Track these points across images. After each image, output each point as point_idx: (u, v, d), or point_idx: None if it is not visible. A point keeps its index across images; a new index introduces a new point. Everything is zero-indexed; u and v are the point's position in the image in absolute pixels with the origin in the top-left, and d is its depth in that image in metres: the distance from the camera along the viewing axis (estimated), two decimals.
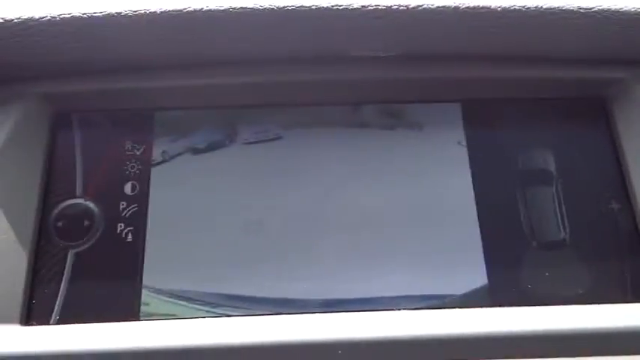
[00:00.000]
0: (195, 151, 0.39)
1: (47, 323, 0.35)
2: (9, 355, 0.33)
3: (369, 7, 0.36)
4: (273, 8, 0.36)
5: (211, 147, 0.39)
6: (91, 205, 0.38)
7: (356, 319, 0.34)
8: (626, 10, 0.37)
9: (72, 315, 0.35)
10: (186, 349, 0.33)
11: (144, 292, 0.35)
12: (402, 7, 0.36)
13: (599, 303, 0.35)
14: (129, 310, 0.35)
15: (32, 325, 0.34)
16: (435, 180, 0.39)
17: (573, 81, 0.41)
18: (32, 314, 0.35)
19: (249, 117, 0.40)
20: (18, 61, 0.37)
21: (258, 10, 0.36)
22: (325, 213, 0.38)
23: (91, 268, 0.36)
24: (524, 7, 0.37)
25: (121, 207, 0.38)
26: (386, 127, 0.40)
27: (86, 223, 0.37)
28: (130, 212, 0.37)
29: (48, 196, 0.38)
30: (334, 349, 0.33)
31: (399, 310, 0.35)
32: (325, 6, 0.36)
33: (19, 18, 0.35)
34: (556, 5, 0.37)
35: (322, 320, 0.34)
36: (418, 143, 0.40)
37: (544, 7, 0.37)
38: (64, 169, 0.39)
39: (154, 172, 0.39)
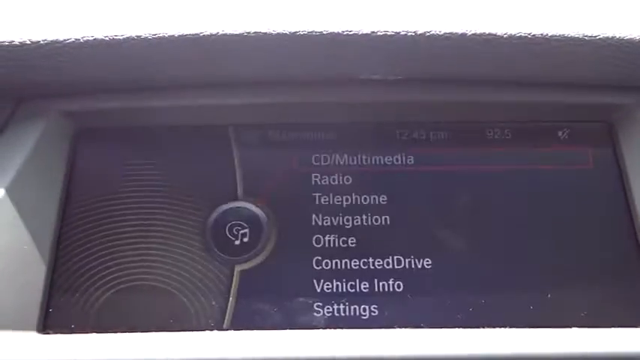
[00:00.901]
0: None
1: (64, 332, 0.36)
2: None
3: (378, 33, 0.37)
4: (285, 33, 0.37)
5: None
6: None
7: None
8: (630, 39, 0.38)
9: (89, 324, 0.36)
10: None
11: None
12: (410, 34, 0.37)
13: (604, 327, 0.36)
14: (149, 321, 0.36)
15: (49, 333, 0.36)
16: None
17: (580, 106, 0.42)
18: (49, 323, 0.36)
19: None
20: (42, 80, 0.39)
21: (270, 34, 0.37)
22: None
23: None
24: (529, 34, 0.38)
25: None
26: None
27: None
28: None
29: (67, 208, 0.39)
30: None
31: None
32: (335, 32, 0.37)
33: (44, 40, 0.37)
34: (561, 33, 0.38)
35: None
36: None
37: (549, 34, 0.38)
38: (85, 184, 0.40)
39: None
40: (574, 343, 0.35)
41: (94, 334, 0.36)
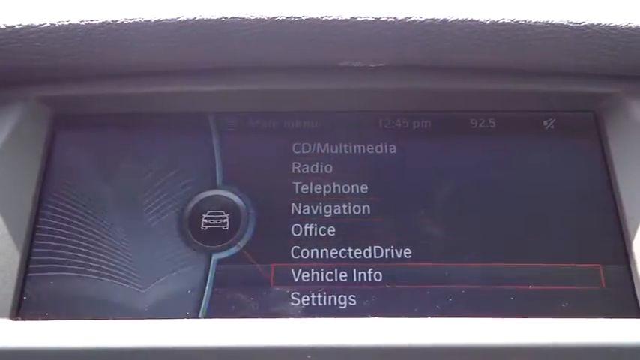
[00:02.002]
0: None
1: (37, 319, 0.36)
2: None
3: (358, 19, 0.37)
4: (264, 19, 0.37)
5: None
6: None
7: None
8: (616, 26, 0.38)
9: (63, 311, 0.36)
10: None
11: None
12: (390, 20, 0.37)
13: (585, 317, 0.35)
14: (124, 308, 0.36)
15: (22, 319, 0.36)
16: None
17: (566, 94, 0.41)
18: (23, 310, 0.36)
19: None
20: (19, 66, 0.39)
21: (249, 20, 0.37)
22: None
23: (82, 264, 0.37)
24: (513, 21, 0.37)
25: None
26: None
27: None
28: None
29: (43, 195, 0.39)
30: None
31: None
32: (315, 17, 0.37)
33: (20, 24, 0.37)
34: (545, 20, 0.37)
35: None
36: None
37: (534, 21, 0.37)
38: (62, 171, 0.40)
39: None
40: (552, 333, 0.34)
41: (68, 320, 0.36)
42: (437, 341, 0.34)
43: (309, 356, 0.32)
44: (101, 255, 0.38)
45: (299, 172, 0.40)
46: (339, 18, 0.37)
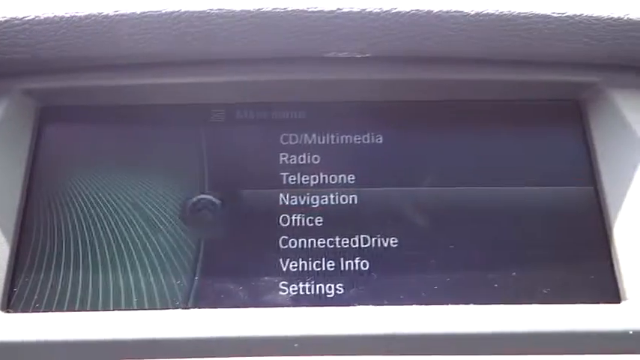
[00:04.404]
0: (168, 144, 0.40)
1: (28, 311, 0.36)
2: None
3: (343, 10, 0.37)
4: (249, 10, 0.37)
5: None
6: None
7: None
8: (598, 17, 0.38)
9: (53, 303, 0.36)
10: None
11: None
12: (375, 10, 0.37)
13: (566, 303, 0.36)
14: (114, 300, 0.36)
15: (13, 312, 0.36)
16: None
17: (549, 84, 0.42)
18: (13, 302, 0.36)
19: None
20: (3, 58, 0.38)
21: (234, 12, 0.37)
22: None
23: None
24: (496, 11, 0.38)
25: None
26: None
27: None
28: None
29: (31, 188, 0.39)
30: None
31: None
32: (301, 9, 0.37)
33: (3, 17, 0.37)
34: (528, 10, 0.38)
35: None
36: None
37: (517, 12, 0.38)
38: (49, 163, 0.40)
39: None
40: (536, 319, 0.35)
41: (58, 312, 0.36)
42: (423, 329, 0.35)
43: (296, 345, 0.33)
44: (89, 247, 0.38)
45: (286, 162, 0.41)
46: (325, 9, 0.37)
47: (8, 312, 0.36)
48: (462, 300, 0.37)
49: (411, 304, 0.36)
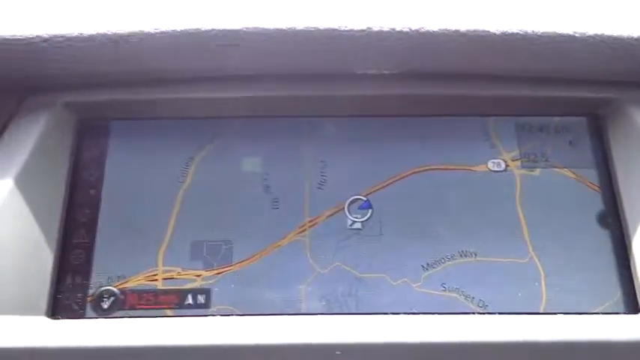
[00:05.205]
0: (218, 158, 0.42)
1: (73, 317, 0.38)
2: (37, 347, 0.36)
3: (374, 30, 0.38)
4: (282, 29, 0.38)
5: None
6: None
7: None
8: (619, 36, 0.39)
9: (97, 310, 0.38)
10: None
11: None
12: (404, 30, 0.38)
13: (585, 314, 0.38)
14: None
15: (59, 318, 0.37)
16: None
17: (569, 100, 0.43)
18: (58, 308, 0.38)
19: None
20: (46, 74, 0.40)
21: (268, 30, 0.38)
22: None
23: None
24: (521, 31, 0.39)
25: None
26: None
27: None
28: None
29: (73, 197, 0.41)
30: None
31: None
32: (333, 28, 0.38)
33: (49, 35, 0.38)
34: (552, 30, 0.39)
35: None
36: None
37: (541, 32, 0.39)
38: (88, 174, 0.42)
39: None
40: (555, 329, 0.36)
41: (101, 319, 0.38)
42: (444, 338, 0.36)
43: (338, 352, 0.35)
44: (128, 254, 0.39)
45: (317, 176, 0.42)
46: (355, 29, 0.38)
47: (56, 318, 0.37)
48: (484, 309, 0.38)
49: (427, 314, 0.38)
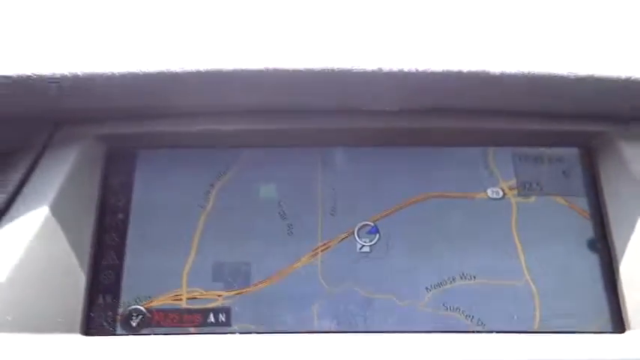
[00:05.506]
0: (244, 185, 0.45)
1: (106, 334, 0.41)
2: None
3: (383, 70, 0.41)
4: (300, 70, 0.41)
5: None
6: None
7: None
8: (609, 76, 0.43)
9: (126, 327, 0.41)
10: None
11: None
12: (412, 71, 0.42)
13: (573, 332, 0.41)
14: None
15: (92, 335, 0.41)
16: None
17: (564, 133, 0.46)
18: (91, 326, 0.41)
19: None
20: (79, 107, 0.43)
21: (287, 71, 0.41)
22: None
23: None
24: (520, 72, 0.42)
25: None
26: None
27: None
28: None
29: (103, 222, 0.44)
30: None
31: None
32: (346, 68, 0.41)
33: (83, 72, 0.41)
34: (548, 71, 0.42)
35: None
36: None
37: (540, 73, 0.42)
38: (116, 199, 0.45)
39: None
40: (543, 348, 0.39)
41: (131, 336, 0.41)
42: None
43: None
44: (157, 274, 0.43)
45: (329, 203, 0.45)
46: (367, 69, 0.42)
47: (88, 336, 0.41)
48: (483, 328, 0.42)
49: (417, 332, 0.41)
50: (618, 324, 0.42)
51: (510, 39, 0.46)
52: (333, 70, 0.41)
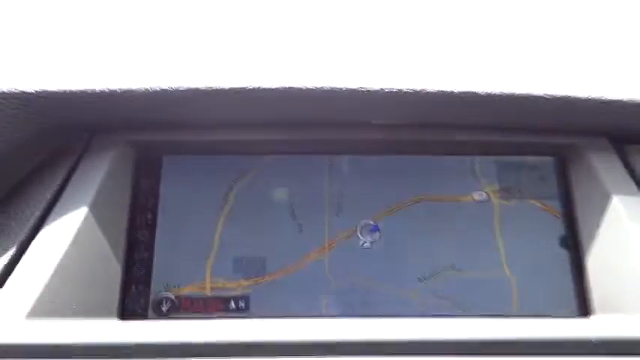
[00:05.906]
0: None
1: (139, 318, 0.46)
2: (112, 343, 0.44)
3: (385, 90, 0.47)
4: (313, 89, 0.47)
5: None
6: None
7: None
8: (580, 97, 0.49)
9: (157, 312, 0.47)
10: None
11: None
12: (410, 91, 0.48)
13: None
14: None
15: (127, 319, 0.46)
16: None
17: (541, 145, 0.53)
18: (126, 312, 0.47)
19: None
20: (114, 117, 0.48)
21: (302, 90, 0.47)
22: None
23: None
24: (502, 92, 0.48)
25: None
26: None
27: None
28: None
29: (134, 220, 0.49)
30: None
31: None
32: (353, 88, 0.47)
33: (120, 89, 0.46)
34: (528, 92, 0.49)
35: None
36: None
37: (518, 93, 0.48)
38: (146, 200, 0.50)
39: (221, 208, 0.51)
40: (516, 330, 0.44)
41: (161, 320, 0.46)
42: (411, 336, 0.44)
43: None
44: (184, 264, 0.49)
45: (335, 204, 0.51)
46: (371, 89, 0.47)
47: (124, 320, 0.46)
48: (468, 312, 0.48)
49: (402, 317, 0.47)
50: (584, 310, 0.49)
51: (497, 60, 0.52)
52: (341, 90, 0.47)
